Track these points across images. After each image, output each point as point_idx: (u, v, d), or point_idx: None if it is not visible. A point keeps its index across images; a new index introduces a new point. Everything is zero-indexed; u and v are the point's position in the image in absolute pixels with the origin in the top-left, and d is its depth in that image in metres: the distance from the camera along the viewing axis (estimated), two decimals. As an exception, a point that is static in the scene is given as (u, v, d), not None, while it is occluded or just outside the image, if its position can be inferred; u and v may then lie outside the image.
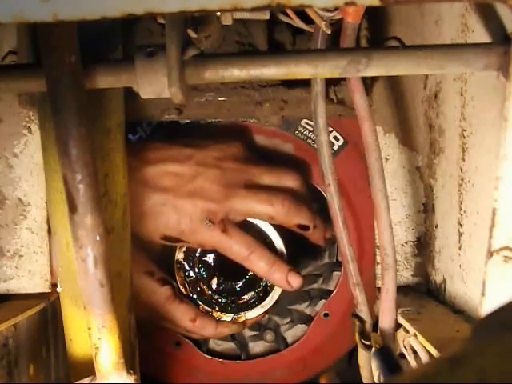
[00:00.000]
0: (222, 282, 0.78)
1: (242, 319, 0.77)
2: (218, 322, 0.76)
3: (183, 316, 0.74)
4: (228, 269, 0.76)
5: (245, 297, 0.77)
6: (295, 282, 0.73)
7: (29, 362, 0.67)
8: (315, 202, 0.78)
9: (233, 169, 0.73)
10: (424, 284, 0.74)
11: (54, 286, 0.72)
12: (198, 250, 0.76)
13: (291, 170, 0.75)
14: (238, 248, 0.72)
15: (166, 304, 0.73)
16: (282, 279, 0.73)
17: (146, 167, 0.70)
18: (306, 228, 0.74)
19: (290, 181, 0.74)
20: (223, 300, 0.77)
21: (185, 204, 0.70)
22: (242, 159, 0.74)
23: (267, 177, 0.74)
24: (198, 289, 0.77)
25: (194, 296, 0.76)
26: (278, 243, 0.75)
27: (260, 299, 0.77)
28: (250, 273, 0.77)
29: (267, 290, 0.77)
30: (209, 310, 0.76)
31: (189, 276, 0.76)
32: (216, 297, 0.77)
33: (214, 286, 0.77)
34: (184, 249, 0.75)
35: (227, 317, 0.77)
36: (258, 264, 0.72)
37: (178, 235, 0.71)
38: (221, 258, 0.75)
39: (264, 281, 0.77)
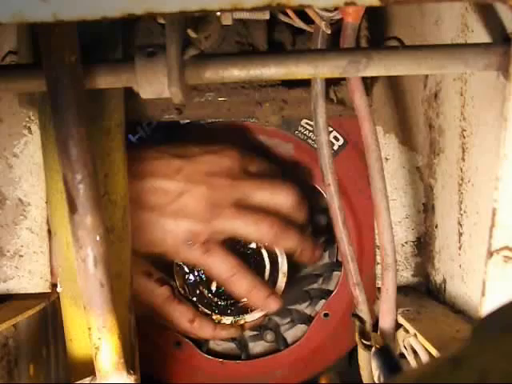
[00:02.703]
0: None
1: (241, 322, 0.77)
2: (216, 324, 0.76)
3: (181, 317, 0.74)
4: None
5: (244, 300, 0.77)
6: (273, 305, 0.74)
7: (29, 362, 0.67)
8: (316, 214, 0.78)
9: (222, 186, 0.70)
10: (424, 284, 0.74)
11: (54, 286, 0.72)
12: None
13: (286, 186, 0.73)
14: (219, 270, 0.71)
15: (164, 304, 0.73)
16: (260, 303, 0.74)
17: (135, 181, 0.67)
18: (293, 251, 0.74)
19: (283, 197, 0.72)
20: (222, 303, 0.77)
21: (169, 224, 0.69)
22: (235, 173, 0.72)
23: (259, 193, 0.72)
24: (198, 291, 0.77)
25: (194, 299, 0.76)
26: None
27: None
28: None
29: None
30: (208, 312, 0.76)
31: (188, 279, 0.76)
32: (215, 299, 0.77)
33: (214, 289, 0.77)
34: None
35: (227, 320, 0.77)
36: (239, 287, 0.72)
37: (162, 253, 0.71)
38: None
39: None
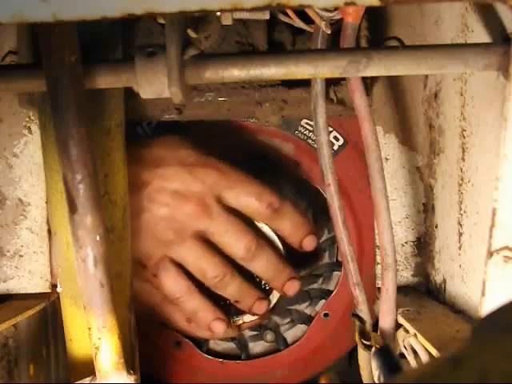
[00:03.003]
0: None
1: (239, 323, 0.77)
2: None
3: (179, 316, 0.74)
4: None
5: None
6: (218, 329, 0.73)
7: (29, 362, 0.67)
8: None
9: (187, 214, 0.67)
10: (424, 284, 0.74)
11: (54, 286, 0.72)
12: None
13: (247, 234, 0.70)
14: (168, 291, 0.70)
15: (163, 304, 0.73)
16: (204, 326, 0.73)
17: None
18: (230, 298, 0.73)
19: (237, 249, 0.69)
20: (220, 303, 0.77)
21: None
22: (205, 201, 0.67)
23: (219, 235, 0.69)
24: None
25: None
26: (277, 243, 0.75)
27: None
28: (249, 276, 0.77)
29: (265, 294, 0.77)
30: None
31: None
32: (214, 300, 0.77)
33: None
34: None
35: None
36: (186, 308, 0.71)
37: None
38: None
39: (263, 285, 0.77)
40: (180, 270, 0.70)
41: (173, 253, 0.69)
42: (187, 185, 0.68)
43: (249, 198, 0.70)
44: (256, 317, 0.77)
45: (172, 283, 0.70)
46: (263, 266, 0.72)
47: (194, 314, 0.72)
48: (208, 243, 0.70)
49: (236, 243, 0.69)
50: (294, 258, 0.76)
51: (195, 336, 0.77)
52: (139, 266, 0.69)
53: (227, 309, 0.77)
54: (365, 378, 0.66)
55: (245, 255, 0.70)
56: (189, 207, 0.67)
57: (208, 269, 0.69)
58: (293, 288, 0.75)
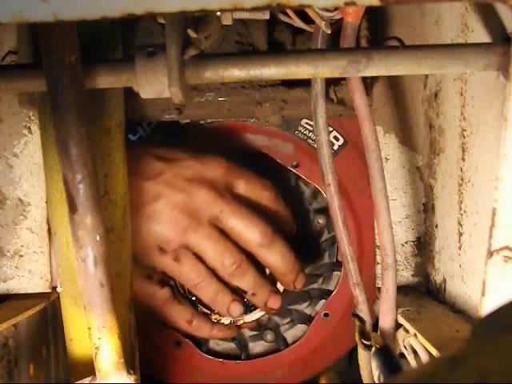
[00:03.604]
0: None
1: (240, 322, 0.77)
2: (213, 325, 0.76)
3: (180, 317, 0.74)
4: None
5: (245, 300, 0.77)
6: (235, 312, 0.73)
7: (29, 362, 0.67)
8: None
9: (201, 199, 0.68)
10: (424, 284, 0.74)
11: (53, 286, 0.72)
12: None
13: (261, 223, 0.70)
14: (187, 277, 0.71)
15: (164, 305, 0.73)
16: (223, 309, 0.73)
17: None
18: (244, 291, 0.73)
19: (253, 233, 0.70)
20: None
21: (140, 225, 0.67)
22: (217, 187, 0.69)
23: (233, 220, 0.69)
24: None
25: (193, 298, 0.76)
26: None
27: None
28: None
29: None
30: (207, 312, 0.76)
31: None
32: None
33: None
34: None
35: (225, 319, 0.77)
36: (205, 293, 0.72)
37: (133, 253, 0.68)
38: None
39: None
40: (196, 258, 0.70)
41: (190, 239, 0.69)
42: (200, 172, 0.70)
43: (257, 186, 0.72)
44: (257, 316, 0.77)
45: (193, 268, 0.70)
46: (278, 255, 0.72)
47: (214, 297, 0.72)
48: (222, 232, 0.70)
49: (252, 228, 0.70)
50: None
51: (195, 336, 0.78)
52: (158, 252, 0.69)
53: None
54: (365, 378, 0.66)
55: (261, 240, 0.70)
56: (204, 192, 0.69)
57: (226, 254, 0.69)
58: (302, 282, 0.75)
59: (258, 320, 0.79)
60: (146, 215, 0.68)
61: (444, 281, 0.68)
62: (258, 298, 0.74)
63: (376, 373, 0.59)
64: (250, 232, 0.70)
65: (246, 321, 0.77)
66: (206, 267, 0.71)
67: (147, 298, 0.72)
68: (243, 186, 0.72)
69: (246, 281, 0.72)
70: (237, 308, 0.73)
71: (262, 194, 0.73)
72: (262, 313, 0.77)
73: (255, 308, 0.77)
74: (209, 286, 0.71)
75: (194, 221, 0.68)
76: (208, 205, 0.69)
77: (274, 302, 0.75)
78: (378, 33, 0.70)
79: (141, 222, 0.67)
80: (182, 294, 0.75)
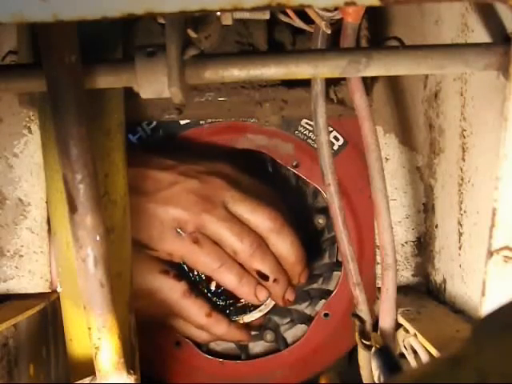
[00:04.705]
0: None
1: (240, 322, 0.77)
2: (231, 322, 0.76)
3: (199, 311, 0.73)
4: None
5: (243, 300, 0.77)
6: (262, 295, 0.73)
7: (29, 362, 0.67)
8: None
9: (214, 184, 0.71)
10: (424, 284, 0.74)
11: (54, 286, 0.72)
12: None
13: (271, 210, 0.72)
14: (207, 260, 0.70)
15: (182, 299, 0.72)
16: (250, 293, 0.73)
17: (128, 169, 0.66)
18: (265, 277, 0.72)
19: (264, 218, 0.71)
20: (221, 303, 0.77)
21: (157, 209, 0.68)
22: (226, 179, 0.72)
23: (242, 207, 0.71)
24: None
25: (209, 294, 0.76)
26: None
27: None
28: None
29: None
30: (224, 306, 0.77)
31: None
32: (214, 299, 0.77)
33: (213, 289, 0.77)
34: None
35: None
36: (228, 277, 0.71)
37: (146, 241, 0.70)
38: None
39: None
40: (213, 242, 0.71)
41: (207, 221, 0.69)
42: (210, 167, 0.72)
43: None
44: (257, 316, 0.77)
45: (213, 249, 0.70)
46: (288, 242, 0.72)
47: (238, 281, 0.72)
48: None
49: (263, 214, 0.71)
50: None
51: (210, 333, 0.76)
52: (176, 235, 0.69)
53: (226, 310, 0.77)
54: (365, 378, 0.66)
55: (272, 225, 0.71)
56: (216, 180, 0.71)
57: (243, 234, 0.70)
58: (306, 276, 0.76)
59: (258, 320, 0.79)
60: (162, 200, 0.69)
61: (444, 281, 0.68)
62: (279, 286, 0.73)
63: (376, 373, 0.59)
64: (260, 217, 0.71)
65: (245, 321, 0.77)
66: (224, 252, 0.71)
67: (164, 294, 0.71)
68: (245, 184, 0.74)
69: (268, 263, 0.72)
70: (263, 292, 0.73)
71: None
72: (262, 313, 0.77)
73: (255, 308, 0.77)
74: (231, 269, 0.71)
75: (209, 204, 0.70)
76: (221, 192, 0.71)
77: (291, 293, 0.75)
78: (378, 33, 0.70)
79: (157, 206, 0.69)
80: (199, 289, 0.75)
